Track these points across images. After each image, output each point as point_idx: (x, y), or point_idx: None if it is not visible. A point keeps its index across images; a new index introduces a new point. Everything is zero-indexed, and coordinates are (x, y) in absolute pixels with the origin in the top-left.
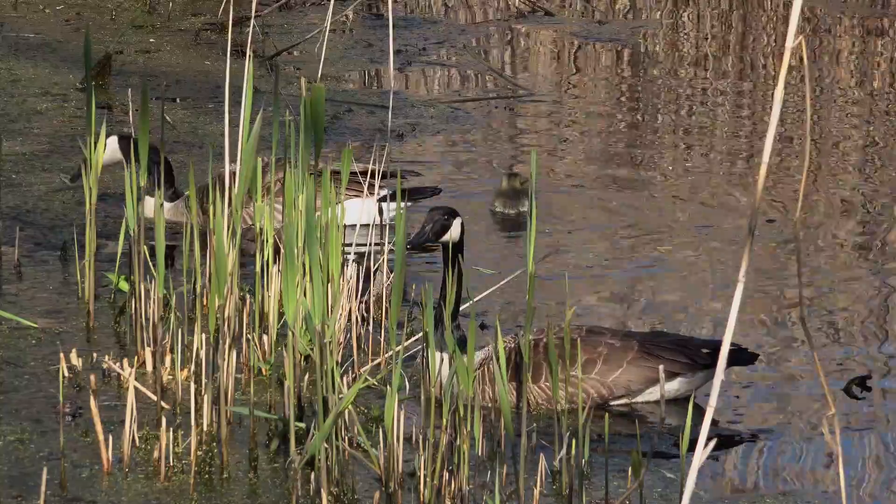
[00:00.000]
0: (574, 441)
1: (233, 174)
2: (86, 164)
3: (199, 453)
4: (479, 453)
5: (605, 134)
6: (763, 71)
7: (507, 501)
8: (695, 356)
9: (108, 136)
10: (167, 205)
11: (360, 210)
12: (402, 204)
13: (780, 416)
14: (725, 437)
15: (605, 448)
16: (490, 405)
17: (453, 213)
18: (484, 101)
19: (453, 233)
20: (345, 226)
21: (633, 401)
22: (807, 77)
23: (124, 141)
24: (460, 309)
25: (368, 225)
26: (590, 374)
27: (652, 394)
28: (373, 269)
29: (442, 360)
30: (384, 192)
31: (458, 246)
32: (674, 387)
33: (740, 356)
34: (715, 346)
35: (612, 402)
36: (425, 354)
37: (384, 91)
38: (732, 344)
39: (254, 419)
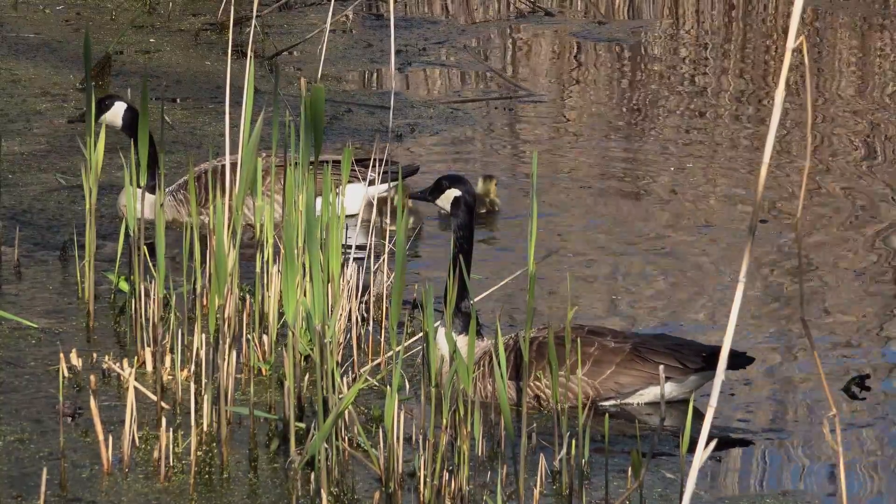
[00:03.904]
0: (574, 441)
1: (215, 169)
2: (88, 111)
3: (199, 453)
4: (479, 453)
5: (605, 134)
6: (764, 71)
7: (508, 501)
8: (685, 360)
9: (119, 99)
10: (148, 197)
11: (357, 195)
12: (387, 186)
13: (780, 416)
14: (725, 438)
15: (605, 448)
16: (490, 402)
17: (455, 182)
18: (484, 101)
19: (443, 199)
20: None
21: (623, 402)
22: (807, 78)
23: (130, 113)
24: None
25: (368, 218)
26: (576, 375)
27: (642, 396)
28: (373, 269)
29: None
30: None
31: (460, 226)
32: (665, 390)
33: (736, 360)
34: (712, 351)
35: (602, 404)
36: (425, 354)
37: (384, 91)
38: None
39: (254, 419)
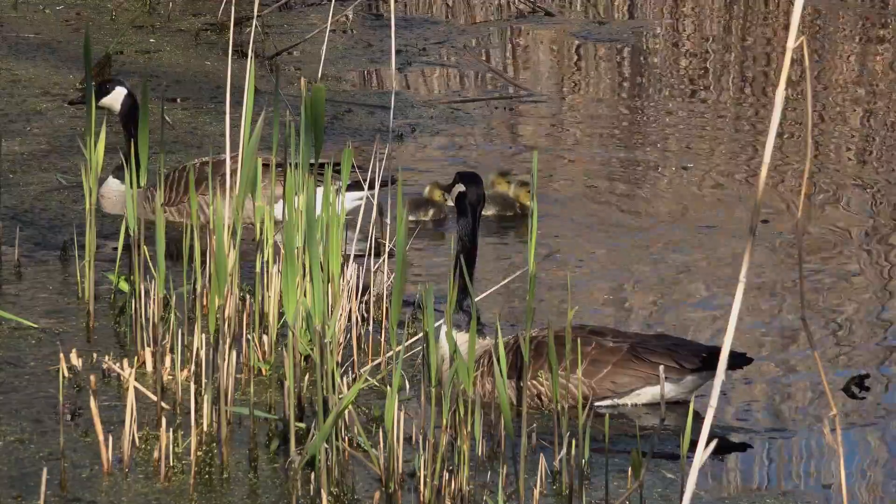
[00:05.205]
0: (574, 441)
1: (203, 165)
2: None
3: (199, 453)
4: (479, 453)
5: (606, 134)
6: (764, 70)
7: (508, 501)
8: (682, 361)
9: (121, 84)
10: (120, 189)
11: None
12: (366, 193)
13: (780, 415)
14: (726, 438)
15: (605, 448)
16: (490, 402)
17: (465, 179)
18: (484, 101)
19: (452, 194)
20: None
21: (620, 403)
22: (807, 78)
23: (129, 99)
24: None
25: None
26: (573, 374)
27: (639, 396)
28: (373, 269)
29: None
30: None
31: (462, 224)
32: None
33: (735, 360)
34: (711, 351)
35: (598, 404)
36: (425, 354)
37: (384, 91)
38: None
39: (254, 419)
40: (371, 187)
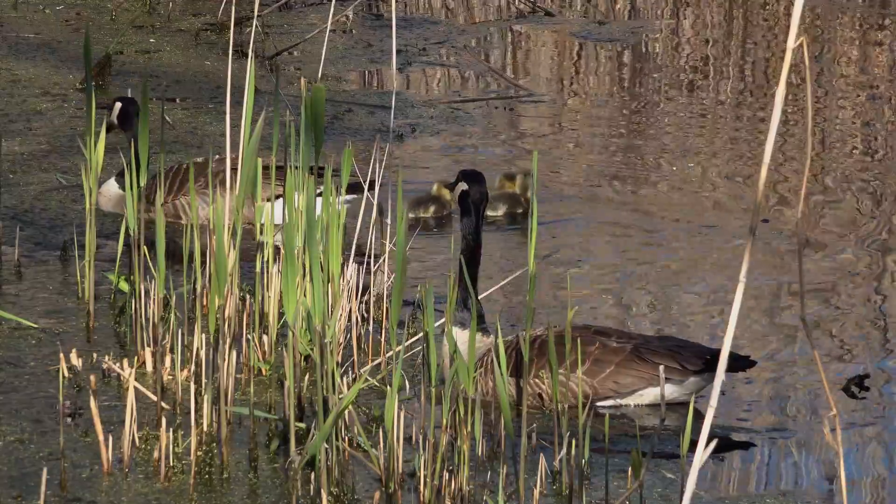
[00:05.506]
0: (574, 441)
1: (197, 164)
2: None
3: (199, 453)
4: (479, 453)
5: (606, 134)
6: (764, 71)
7: (508, 501)
8: (685, 362)
9: (120, 99)
10: (117, 192)
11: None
12: (344, 198)
13: (780, 416)
14: (726, 438)
15: (605, 448)
16: (492, 400)
17: (468, 177)
18: (484, 101)
19: (455, 192)
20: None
21: (622, 403)
22: (808, 79)
23: (122, 105)
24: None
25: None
26: (575, 373)
27: (641, 397)
28: (373, 269)
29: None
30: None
31: (464, 223)
32: (665, 391)
33: (737, 362)
34: (714, 353)
35: (600, 404)
36: (426, 354)
37: (384, 91)
38: (731, 353)
39: (254, 419)
40: (366, 188)
